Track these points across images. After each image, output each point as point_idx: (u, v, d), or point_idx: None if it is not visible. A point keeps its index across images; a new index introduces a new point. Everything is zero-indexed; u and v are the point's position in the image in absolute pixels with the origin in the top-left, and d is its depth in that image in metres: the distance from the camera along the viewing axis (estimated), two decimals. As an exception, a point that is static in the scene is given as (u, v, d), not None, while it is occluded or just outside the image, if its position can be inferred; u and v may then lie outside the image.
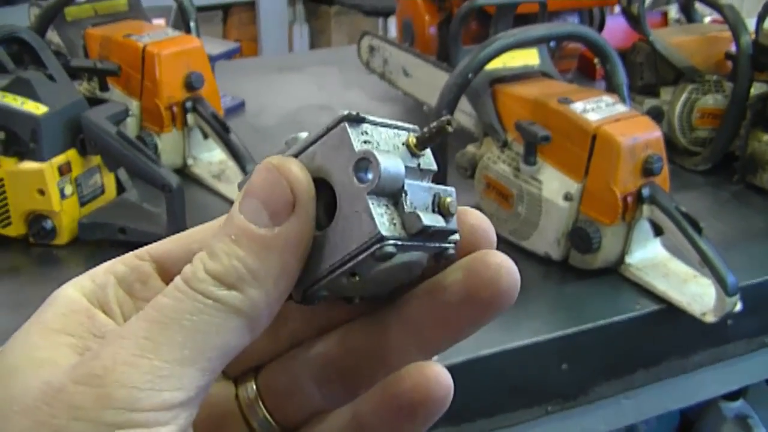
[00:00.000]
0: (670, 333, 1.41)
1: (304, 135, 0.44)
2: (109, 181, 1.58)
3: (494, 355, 1.26)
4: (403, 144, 0.43)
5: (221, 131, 1.66)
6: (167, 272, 0.46)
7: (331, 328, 0.48)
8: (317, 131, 0.43)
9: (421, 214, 0.41)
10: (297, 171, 0.42)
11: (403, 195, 0.41)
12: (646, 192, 1.37)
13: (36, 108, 1.46)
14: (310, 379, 0.48)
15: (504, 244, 1.52)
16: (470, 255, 0.44)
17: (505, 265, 0.43)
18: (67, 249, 1.51)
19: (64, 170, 1.47)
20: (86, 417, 0.38)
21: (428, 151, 0.44)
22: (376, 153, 0.41)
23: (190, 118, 1.72)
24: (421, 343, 0.45)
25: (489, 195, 1.53)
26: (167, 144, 1.73)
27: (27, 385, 0.40)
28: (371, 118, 0.43)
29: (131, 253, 0.47)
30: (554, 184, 1.43)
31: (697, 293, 1.37)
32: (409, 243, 0.41)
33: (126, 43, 1.76)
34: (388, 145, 0.43)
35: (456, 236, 0.43)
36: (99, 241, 1.52)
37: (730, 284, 1.28)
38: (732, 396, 1.96)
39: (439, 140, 0.43)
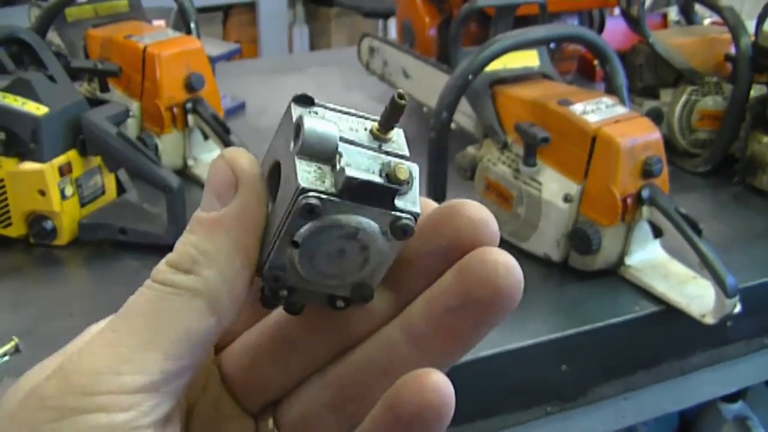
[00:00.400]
0: (669, 334, 1.41)
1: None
2: (109, 181, 1.58)
3: (494, 356, 1.26)
4: (365, 129, 0.43)
5: (222, 132, 1.66)
6: None
7: (341, 352, 0.47)
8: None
9: (350, 168, 0.40)
10: (239, 154, 0.43)
11: (337, 156, 0.41)
12: (645, 193, 1.37)
13: (36, 108, 1.46)
14: (326, 407, 0.47)
15: (504, 246, 1.51)
16: (467, 254, 0.42)
17: (503, 262, 0.41)
18: (68, 249, 1.51)
19: (64, 171, 1.47)
20: (51, 405, 0.38)
21: (399, 137, 0.43)
22: (305, 118, 0.41)
23: (191, 119, 1.73)
24: (430, 355, 0.43)
25: (489, 196, 1.53)
26: (168, 145, 1.73)
27: (16, 396, 0.41)
28: (332, 105, 0.43)
29: None
30: (554, 186, 1.43)
31: (696, 295, 1.37)
32: (339, 200, 0.40)
33: (126, 44, 1.76)
34: (342, 126, 0.42)
35: (414, 207, 0.42)
36: (99, 241, 1.52)
37: (729, 286, 1.28)
38: (731, 397, 1.96)
39: (398, 117, 0.42)
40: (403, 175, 0.41)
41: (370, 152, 0.42)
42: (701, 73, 1.87)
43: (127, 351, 0.39)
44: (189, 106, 1.72)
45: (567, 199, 1.41)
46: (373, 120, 0.43)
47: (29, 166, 1.46)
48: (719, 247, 1.35)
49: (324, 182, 0.40)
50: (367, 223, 0.41)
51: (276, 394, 0.49)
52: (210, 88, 1.76)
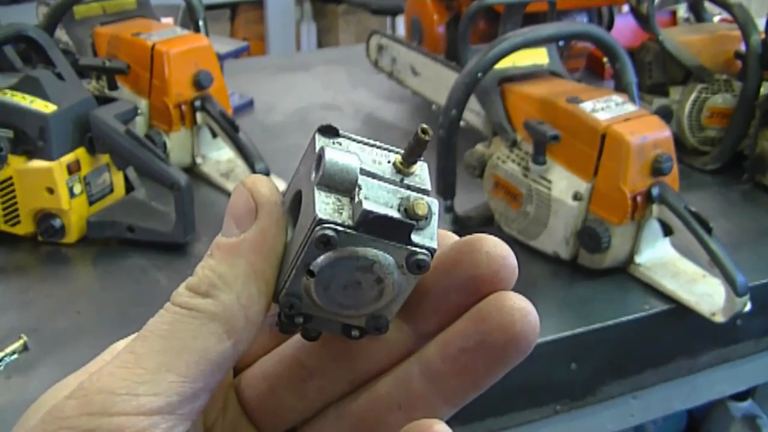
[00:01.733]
0: (678, 333, 1.41)
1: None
2: (117, 179, 1.58)
3: (503, 354, 1.26)
4: (388, 162, 0.42)
5: (230, 130, 1.66)
6: None
7: (360, 383, 0.47)
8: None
9: (368, 202, 0.40)
10: (259, 181, 0.43)
11: (357, 189, 0.40)
12: (655, 191, 1.37)
13: (45, 106, 1.46)
14: None
15: (512, 244, 1.51)
16: (485, 298, 0.42)
17: (519, 308, 0.41)
18: (76, 247, 1.51)
19: (72, 169, 1.47)
20: (69, 425, 0.39)
21: (422, 171, 0.43)
22: (327, 149, 0.40)
23: (199, 116, 1.73)
24: (445, 393, 0.44)
25: (498, 194, 1.53)
26: (176, 143, 1.73)
27: (37, 415, 0.41)
28: (356, 137, 0.43)
29: None
30: (563, 184, 1.43)
31: (706, 293, 1.36)
32: (355, 233, 0.40)
33: (135, 41, 1.76)
34: (365, 158, 0.42)
35: (431, 243, 0.41)
36: (107, 239, 1.52)
37: (739, 284, 1.28)
38: (740, 396, 1.95)
39: (421, 152, 0.42)
40: (421, 211, 0.41)
41: (391, 186, 0.41)
42: (711, 70, 1.86)
43: (144, 372, 0.40)
44: (197, 103, 1.72)
45: (576, 197, 1.41)
46: (397, 152, 0.43)
47: (37, 164, 1.46)
48: (728, 245, 1.34)
49: (341, 214, 0.40)
50: (383, 256, 0.41)
51: (293, 422, 0.49)
52: (218, 85, 1.76)
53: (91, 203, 1.51)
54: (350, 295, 0.43)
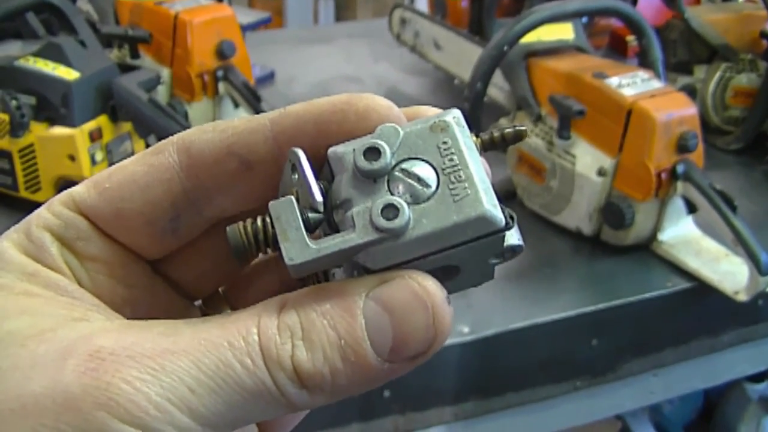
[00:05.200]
0: (700, 311, 1.40)
1: (299, 152, 0.39)
2: (139, 147, 1.57)
3: (524, 329, 1.26)
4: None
5: (252, 100, 1.65)
6: (99, 225, 0.42)
7: None
8: (451, 224, 0.38)
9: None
10: (448, 324, 0.38)
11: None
12: (680, 168, 1.36)
13: (67, 73, 1.46)
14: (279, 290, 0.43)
15: (535, 218, 1.51)
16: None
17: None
18: (97, 215, 1.51)
19: (94, 136, 1.47)
20: None
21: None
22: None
23: (221, 86, 1.72)
24: None
25: (521, 169, 1.52)
26: (197, 112, 1.72)
27: (25, 382, 0.36)
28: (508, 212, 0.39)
29: (55, 199, 0.43)
30: (588, 159, 1.42)
31: (729, 272, 1.36)
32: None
33: (158, 10, 1.76)
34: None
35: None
36: (128, 207, 1.52)
37: (763, 263, 1.27)
38: (757, 377, 1.95)
39: (511, 144, 0.42)
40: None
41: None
42: (736, 49, 1.85)
43: (192, 426, 0.35)
44: (220, 73, 1.71)
45: (601, 172, 1.40)
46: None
47: (59, 130, 1.45)
48: (751, 225, 1.33)
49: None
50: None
51: (224, 284, 0.48)
52: (241, 55, 1.75)
53: (112, 171, 1.51)
54: None
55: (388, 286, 0.37)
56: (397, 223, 0.36)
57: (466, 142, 0.39)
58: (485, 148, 0.41)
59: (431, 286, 0.37)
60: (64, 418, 0.34)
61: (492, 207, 0.37)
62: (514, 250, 0.40)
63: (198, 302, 0.48)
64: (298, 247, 0.37)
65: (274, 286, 0.47)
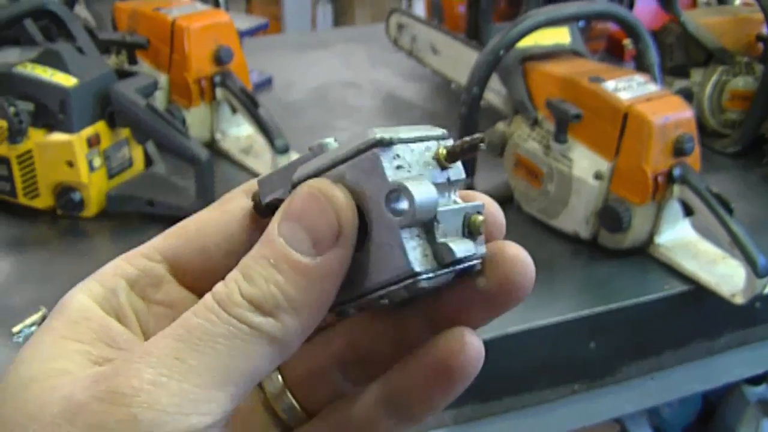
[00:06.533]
0: (697, 314, 1.41)
1: (329, 141, 0.44)
2: (137, 154, 1.58)
3: (522, 333, 1.26)
4: (433, 158, 0.42)
5: (250, 106, 1.66)
6: (181, 273, 0.46)
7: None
8: (347, 149, 0.42)
9: (453, 246, 0.40)
10: (343, 200, 0.41)
11: (435, 224, 0.41)
12: (677, 172, 1.36)
13: (65, 80, 1.46)
14: (333, 364, 0.48)
15: (532, 222, 1.51)
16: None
17: (522, 258, 0.43)
18: (95, 221, 1.51)
19: (92, 142, 1.47)
20: None
21: (458, 162, 0.43)
22: (409, 186, 0.40)
23: (219, 92, 1.72)
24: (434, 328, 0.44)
25: (518, 173, 1.52)
26: (195, 118, 1.73)
27: (45, 401, 0.39)
28: (401, 135, 0.42)
29: (137, 251, 0.46)
30: (585, 163, 1.42)
31: (726, 274, 1.36)
32: (441, 272, 0.41)
33: (155, 16, 1.76)
34: (419, 164, 0.42)
35: (483, 249, 0.43)
36: (126, 213, 1.52)
37: (760, 265, 1.27)
38: (755, 380, 1.95)
39: (469, 156, 0.42)
40: (480, 226, 0.42)
41: (454, 206, 0.42)
42: (732, 53, 1.85)
43: (194, 390, 0.38)
44: (217, 79, 1.71)
45: (598, 176, 1.40)
46: (434, 138, 0.43)
47: (57, 137, 1.45)
48: (748, 228, 1.34)
49: (427, 257, 0.41)
50: (449, 278, 0.42)
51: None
52: (238, 61, 1.76)
53: (110, 177, 1.51)
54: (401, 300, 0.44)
55: (287, 202, 0.42)
56: None
57: None
58: (452, 160, 0.43)
59: (315, 181, 0.42)
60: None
61: None
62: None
63: None
64: None
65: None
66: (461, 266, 0.42)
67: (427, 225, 0.41)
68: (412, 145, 0.42)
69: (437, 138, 0.43)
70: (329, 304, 0.41)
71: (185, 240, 0.46)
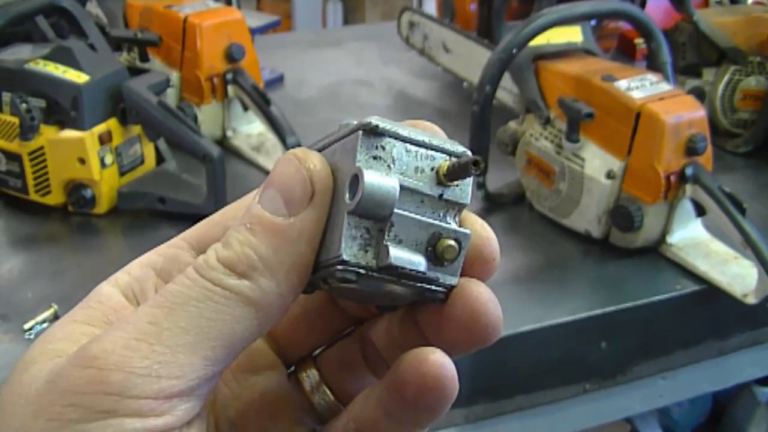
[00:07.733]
0: (709, 314, 1.40)
1: (353, 123, 0.43)
2: (148, 151, 1.58)
3: (533, 331, 1.26)
4: (432, 169, 0.41)
5: (262, 103, 1.66)
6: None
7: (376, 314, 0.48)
8: (346, 129, 0.42)
9: (393, 250, 0.39)
10: (317, 162, 0.41)
11: (389, 225, 0.40)
12: (689, 171, 1.36)
13: (77, 76, 1.46)
14: (363, 359, 0.48)
15: (544, 221, 1.51)
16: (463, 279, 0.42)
17: (487, 306, 0.42)
18: (106, 218, 1.52)
19: (104, 139, 1.47)
20: (80, 402, 0.37)
21: (465, 184, 0.42)
22: (365, 173, 0.39)
23: (231, 89, 1.72)
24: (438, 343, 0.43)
25: (530, 172, 1.52)
26: (207, 115, 1.73)
27: (35, 377, 0.39)
28: (399, 131, 0.41)
29: (166, 244, 0.47)
30: (597, 162, 1.42)
31: (738, 274, 1.36)
32: (377, 275, 0.40)
33: (167, 13, 1.76)
34: (409, 168, 0.41)
35: (452, 280, 0.41)
36: (138, 210, 1.52)
37: (773, 266, 1.27)
38: (766, 380, 1.94)
39: (466, 176, 0.41)
40: (449, 255, 0.41)
41: (425, 214, 0.41)
42: (745, 52, 1.85)
43: (166, 351, 0.38)
44: (229, 76, 1.71)
45: (610, 175, 1.40)
46: (447, 153, 0.42)
47: (69, 133, 1.46)
48: (760, 227, 1.33)
49: (367, 253, 0.40)
50: (401, 290, 0.41)
51: (314, 347, 0.50)
52: (250, 59, 1.76)
53: (122, 174, 1.51)
54: (362, 297, 0.44)
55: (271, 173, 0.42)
56: None
57: None
58: (450, 178, 0.41)
59: (297, 149, 0.43)
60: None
61: None
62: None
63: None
64: None
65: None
66: (413, 284, 0.41)
67: (381, 223, 0.40)
68: (412, 147, 0.41)
69: (450, 153, 0.42)
70: (307, 266, 0.41)
71: (211, 224, 0.47)
